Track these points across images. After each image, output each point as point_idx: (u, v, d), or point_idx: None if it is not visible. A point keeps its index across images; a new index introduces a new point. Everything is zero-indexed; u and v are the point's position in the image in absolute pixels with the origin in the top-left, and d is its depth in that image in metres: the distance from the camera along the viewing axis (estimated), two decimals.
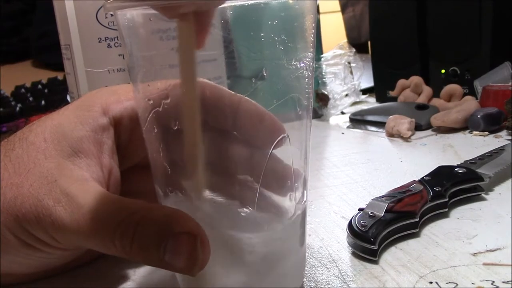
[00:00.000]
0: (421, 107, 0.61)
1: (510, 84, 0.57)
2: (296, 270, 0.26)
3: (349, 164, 0.47)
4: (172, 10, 0.19)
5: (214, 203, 0.24)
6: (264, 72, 0.22)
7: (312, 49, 0.23)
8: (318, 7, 0.69)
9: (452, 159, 0.45)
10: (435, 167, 0.38)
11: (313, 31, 0.23)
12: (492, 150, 0.42)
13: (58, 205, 0.23)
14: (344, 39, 0.95)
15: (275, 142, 0.23)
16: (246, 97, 0.24)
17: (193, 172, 0.22)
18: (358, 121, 0.64)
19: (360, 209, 0.31)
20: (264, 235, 0.23)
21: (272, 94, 0.23)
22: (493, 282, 0.25)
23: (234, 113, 0.24)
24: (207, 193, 0.24)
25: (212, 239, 0.21)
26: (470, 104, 0.57)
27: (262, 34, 0.22)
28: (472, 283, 0.25)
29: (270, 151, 0.23)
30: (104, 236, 0.22)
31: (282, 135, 0.24)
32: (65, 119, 0.27)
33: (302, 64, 0.23)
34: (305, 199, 0.25)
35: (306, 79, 0.23)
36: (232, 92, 0.24)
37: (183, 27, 0.20)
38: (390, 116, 0.57)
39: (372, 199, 0.32)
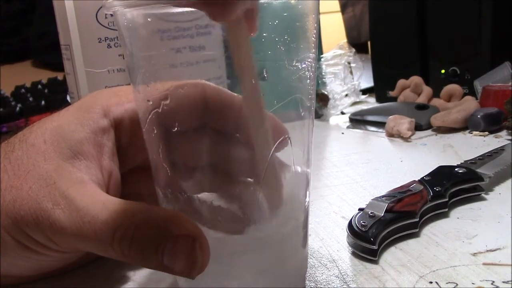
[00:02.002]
0: (421, 107, 0.61)
1: (510, 84, 0.57)
2: (299, 271, 0.26)
3: (349, 164, 0.47)
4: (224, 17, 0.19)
5: (215, 204, 0.24)
6: (265, 73, 0.22)
7: (314, 50, 0.23)
8: None
9: (452, 159, 0.45)
10: (435, 167, 0.38)
11: (315, 31, 0.23)
12: (492, 150, 0.42)
13: (57, 207, 0.23)
14: (344, 39, 0.95)
15: (276, 144, 0.23)
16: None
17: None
18: (358, 121, 0.64)
19: (360, 209, 0.31)
20: (265, 236, 0.23)
21: (274, 95, 0.23)
22: (493, 282, 0.25)
23: (236, 114, 0.24)
24: (207, 195, 0.24)
25: (212, 241, 0.21)
26: (470, 104, 0.57)
27: (263, 34, 0.22)
28: (472, 283, 0.25)
29: (271, 152, 0.23)
30: (103, 239, 0.22)
31: (284, 137, 0.24)
32: (65, 120, 0.27)
33: (304, 65, 0.23)
34: (307, 200, 0.25)
35: (308, 80, 0.23)
36: (234, 93, 0.24)
37: (234, 29, 0.20)
38: (390, 116, 0.57)
39: (372, 199, 0.32)
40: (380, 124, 0.60)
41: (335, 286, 0.26)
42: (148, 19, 0.22)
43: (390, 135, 0.56)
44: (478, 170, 0.37)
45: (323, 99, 0.67)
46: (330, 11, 1.19)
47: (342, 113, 0.70)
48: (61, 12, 0.42)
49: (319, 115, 0.68)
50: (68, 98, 0.72)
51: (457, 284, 0.25)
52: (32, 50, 1.17)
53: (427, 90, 0.65)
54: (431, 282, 0.25)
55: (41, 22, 1.12)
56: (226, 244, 0.23)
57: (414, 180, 0.35)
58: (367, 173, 0.44)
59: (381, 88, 0.76)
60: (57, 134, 0.26)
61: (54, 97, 0.78)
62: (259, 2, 0.21)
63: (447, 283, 0.25)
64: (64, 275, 0.29)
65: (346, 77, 0.72)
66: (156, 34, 0.23)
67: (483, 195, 0.36)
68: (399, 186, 0.34)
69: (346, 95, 0.72)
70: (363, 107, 0.72)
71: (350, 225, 0.30)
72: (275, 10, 0.22)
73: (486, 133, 0.53)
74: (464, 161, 0.40)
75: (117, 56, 0.42)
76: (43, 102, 0.75)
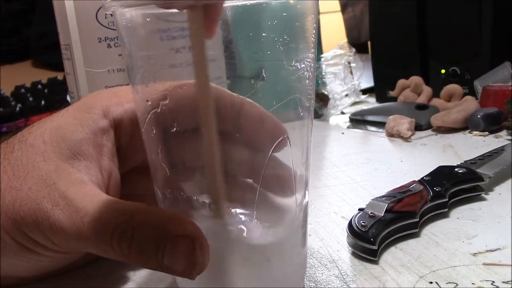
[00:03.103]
0: (421, 107, 0.61)
1: (510, 84, 0.57)
2: (298, 271, 0.26)
3: (349, 164, 0.47)
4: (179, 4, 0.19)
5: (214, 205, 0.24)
6: (264, 73, 0.22)
7: (313, 50, 0.23)
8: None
9: (452, 159, 0.45)
10: (435, 167, 0.38)
11: (314, 31, 0.23)
12: (492, 150, 0.42)
13: (57, 208, 0.23)
14: (344, 39, 0.95)
15: (276, 144, 0.23)
16: (248, 99, 0.23)
17: (212, 181, 0.21)
18: (358, 121, 0.64)
19: (360, 209, 0.31)
20: (265, 236, 0.23)
21: (273, 95, 0.23)
22: (493, 282, 0.25)
23: (235, 115, 0.24)
24: (206, 195, 0.24)
25: (212, 241, 0.21)
26: (470, 104, 0.57)
27: (262, 34, 0.22)
28: (472, 283, 0.25)
29: (270, 152, 0.23)
30: (102, 240, 0.22)
31: (283, 137, 0.24)
32: (64, 121, 0.27)
33: (303, 65, 0.23)
34: (306, 200, 0.25)
35: (307, 80, 0.23)
36: (233, 93, 0.24)
37: (192, 17, 0.20)
38: (390, 116, 0.57)
39: (372, 199, 0.32)
40: (380, 124, 0.60)
41: (335, 286, 0.26)
42: (147, 19, 0.22)
43: (390, 135, 0.56)
44: (478, 170, 0.37)
45: (323, 99, 0.67)
46: (330, 11, 1.19)
47: (342, 113, 0.70)
48: (61, 12, 0.42)
49: (319, 115, 0.68)
50: (68, 98, 0.72)
51: (457, 284, 0.25)
52: (32, 50, 1.17)
53: (427, 90, 0.65)
54: (431, 282, 0.25)
55: (41, 22, 1.12)
56: (226, 245, 0.23)
57: (414, 180, 0.35)
58: (367, 173, 0.44)
59: (381, 88, 0.76)
60: (56, 135, 0.26)
61: (54, 97, 0.78)
62: (258, 3, 0.21)
63: (447, 283, 0.25)
64: (64, 275, 0.29)
65: (346, 77, 0.72)
66: (155, 34, 0.23)
67: (483, 195, 0.36)
68: (399, 186, 0.34)
69: (346, 95, 0.72)
70: (363, 107, 0.72)
71: (350, 225, 0.30)
72: (274, 10, 0.22)
73: (486, 133, 0.53)
74: (464, 161, 0.40)
75: (117, 56, 0.42)
76: (43, 102, 0.75)
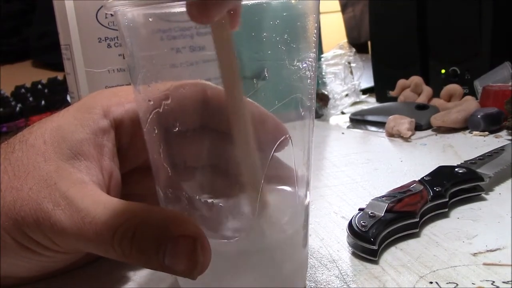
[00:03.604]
0: (421, 107, 0.61)
1: (510, 84, 0.57)
2: (299, 271, 0.26)
3: (349, 164, 0.47)
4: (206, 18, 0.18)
5: (215, 205, 0.24)
6: (265, 73, 0.22)
7: (314, 49, 0.23)
8: None
9: (452, 159, 0.45)
10: (435, 167, 0.38)
11: (315, 31, 0.23)
12: (492, 150, 0.42)
13: (57, 208, 0.23)
14: (344, 39, 0.95)
15: (277, 144, 0.23)
16: (248, 99, 0.23)
17: (253, 184, 0.21)
18: (358, 121, 0.64)
19: (360, 209, 0.31)
20: (267, 236, 0.23)
21: (274, 95, 0.23)
22: (493, 282, 0.25)
23: None
24: (207, 196, 0.24)
25: (213, 241, 0.21)
26: (470, 104, 0.57)
27: (264, 34, 0.22)
28: (472, 283, 0.25)
29: (272, 152, 0.23)
30: (103, 240, 0.22)
31: (284, 136, 0.24)
32: (65, 121, 0.27)
33: (304, 64, 0.23)
34: (307, 200, 0.25)
35: (309, 80, 0.23)
36: None
37: (216, 26, 0.19)
38: (390, 116, 0.57)
39: (372, 199, 0.32)
40: (380, 124, 0.60)
41: (335, 286, 0.26)
42: (150, 19, 0.22)
43: (390, 135, 0.56)
44: (478, 170, 0.37)
45: (323, 99, 0.67)
46: (330, 11, 1.19)
47: (342, 113, 0.70)
48: (61, 12, 0.42)
49: (319, 115, 0.68)
50: (68, 98, 0.72)
51: (457, 284, 0.25)
52: (32, 50, 1.17)
53: (427, 90, 0.65)
54: (431, 282, 0.25)
55: (41, 22, 1.12)
56: (226, 244, 0.23)
57: (414, 180, 0.35)
58: (367, 173, 0.44)
59: (381, 88, 0.76)
60: (57, 135, 0.26)
61: (54, 97, 0.78)
62: (259, 2, 0.21)
63: (447, 283, 0.25)
64: (64, 275, 0.29)
65: (346, 77, 0.72)
66: (156, 34, 0.23)
67: (483, 195, 0.36)
68: (399, 186, 0.34)
69: (346, 95, 0.72)
70: (363, 107, 0.72)
71: (350, 225, 0.30)
72: (275, 10, 0.22)
73: (486, 133, 0.53)
74: (464, 161, 0.40)
75: (117, 56, 0.42)
76: (43, 102, 0.75)
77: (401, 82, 0.69)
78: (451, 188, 0.34)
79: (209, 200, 0.24)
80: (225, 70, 0.20)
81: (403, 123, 0.55)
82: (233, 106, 0.21)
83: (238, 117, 0.21)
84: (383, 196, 0.32)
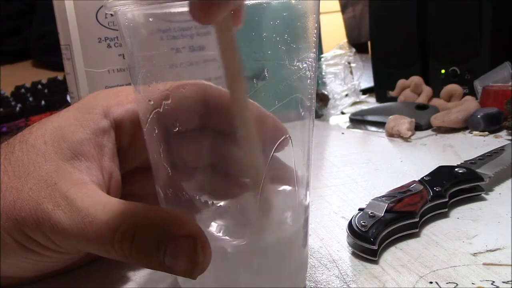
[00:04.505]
0: (421, 107, 0.61)
1: (510, 84, 0.57)
2: (299, 271, 0.26)
3: (349, 164, 0.47)
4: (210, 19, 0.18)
5: (215, 205, 0.24)
6: (265, 73, 0.22)
7: (314, 49, 0.23)
8: None
9: (452, 159, 0.45)
10: (435, 167, 0.38)
11: (315, 31, 0.23)
12: (492, 150, 0.42)
13: (58, 208, 0.23)
14: (344, 39, 0.94)
15: (277, 144, 0.23)
16: (248, 99, 0.23)
17: (255, 178, 0.21)
18: (358, 121, 0.64)
19: (360, 209, 0.31)
20: (267, 237, 0.23)
21: (274, 95, 0.23)
22: (493, 282, 0.25)
23: None
24: (207, 196, 0.24)
25: (213, 241, 0.21)
26: (470, 104, 0.57)
27: (264, 34, 0.22)
28: (472, 283, 0.25)
29: (272, 152, 0.23)
30: (104, 240, 0.22)
31: (284, 137, 0.24)
32: (65, 121, 0.27)
33: (304, 65, 0.23)
34: (308, 200, 0.25)
35: (309, 80, 0.23)
36: None
37: (219, 26, 0.19)
38: (390, 116, 0.57)
39: (372, 199, 0.32)
40: (380, 124, 0.60)
41: (335, 286, 0.26)
42: (150, 19, 0.22)
43: (390, 135, 0.56)
44: (478, 170, 0.37)
45: (323, 99, 0.67)
46: (330, 11, 1.19)
47: (342, 113, 0.70)
48: (61, 12, 0.42)
49: (319, 115, 0.68)
50: (68, 98, 0.72)
51: (457, 284, 0.25)
52: (32, 50, 1.17)
53: (427, 90, 0.65)
54: (431, 282, 0.25)
55: (41, 22, 1.12)
56: (226, 245, 0.23)
57: (414, 180, 0.35)
58: (367, 173, 0.44)
59: (381, 88, 0.76)
60: (57, 135, 0.26)
61: (54, 97, 0.78)
62: (259, 2, 0.21)
63: (447, 283, 0.25)
64: (64, 275, 0.29)
65: (346, 77, 0.72)
66: (156, 34, 0.23)
67: (483, 195, 0.36)
68: (399, 186, 0.34)
69: (346, 95, 0.72)
70: (363, 107, 0.72)
71: (350, 225, 0.30)
72: (275, 10, 0.22)
73: (486, 133, 0.53)
74: (464, 161, 0.40)
75: (117, 56, 0.42)
76: (43, 102, 0.75)
77: (401, 82, 0.69)
78: (451, 188, 0.34)
79: (209, 200, 0.24)
80: (229, 71, 0.20)
81: (403, 123, 0.55)
82: (237, 107, 0.21)
83: (242, 118, 0.21)
84: (383, 196, 0.32)
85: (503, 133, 0.53)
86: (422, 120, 0.58)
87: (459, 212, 0.34)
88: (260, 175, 0.22)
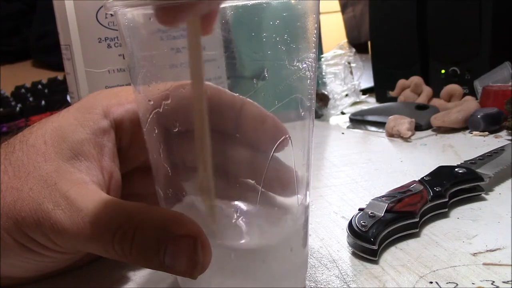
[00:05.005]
0: (421, 107, 0.61)
1: (510, 84, 0.57)
2: (299, 271, 0.26)
3: (349, 164, 0.47)
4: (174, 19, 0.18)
5: (215, 205, 0.24)
6: (265, 73, 0.22)
7: (314, 50, 0.23)
8: None
9: (452, 159, 0.46)
10: (435, 167, 0.38)
11: (315, 31, 0.23)
12: (492, 150, 0.42)
13: (58, 208, 0.23)
14: (344, 39, 0.94)
15: (277, 144, 0.23)
16: (248, 99, 0.23)
17: (204, 179, 0.21)
18: (358, 121, 0.64)
19: (360, 209, 0.31)
20: (267, 237, 0.23)
21: (274, 95, 0.23)
22: (493, 282, 0.25)
23: (236, 115, 0.24)
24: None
25: (213, 241, 0.21)
26: (470, 104, 0.57)
27: (264, 34, 0.22)
28: (472, 283, 0.25)
29: (272, 152, 0.23)
30: (104, 240, 0.22)
31: (284, 137, 0.24)
32: (65, 121, 0.27)
33: (304, 65, 0.23)
34: (307, 200, 0.25)
35: (309, 80, 0.23)
36: (234, 93, 0.24)
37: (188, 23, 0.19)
38: (390, 116, 0.57)
39: (372, 199, 0.32)
40: (380, 124, 0.60)
41: (335, 286, 0.26)
42: (150, 19, 0.22)
43: (390, 135, 0.56)
44: (478, 170, 0.37)
45: (323, 99, 0.67)
46: (330, 11, 1.19)
47: (342, 113, 0.70)
48: (61, 12, 0.42)
49: (319, 115, 0.68)
50: (68, 98, 0.72)
51: (457, 284, 0.25)
52: (32, 50, 1.17)
53: (427, 90, 0.65)
54: (431, 282, 0.25)
55: (41, 22, 1.12)
56: (226, 244, 0.23)
57: (414, 180, 0.35)
58: (367, 173, 0.44)
59: (381, 88, 0.76)
60: (57, 135, 0.26)
61: (54, 97, 0.78)
62: (259, 2, 0.21)
63: (447, 283, 0.25)
64: (64, 275, 0.29)
65: (346, 77, 0.72)
66: (156, 34, 0.23)
67: (483, 195, 0.36)
68: (399, 186, 0.34)
69: (346, 95, 0.72)
70: (363, 107, 0.72)
71: (350, 225, 0.30)
72: (275, 10, 0.22)
73: (486, 133, 0.53)
74: (464, 161, 0.40)
75: (117, 56, 0.42)
76: (43, 102, 0.75)
77: (401, 82, 0.69)
78: (451, 188, 0.34)
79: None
80: (193, 71, 0.20)
81: (403, 123, 0.55)
82: (196, 104, 0.21)
83: (200, 115, 0.21)
84: (383, 196, 0.32)
85: (503, 133, 0.53)
86: (422, 120, 0.58)
87: (459, 212, 0.34)
88: (209, 170, 0.21)
